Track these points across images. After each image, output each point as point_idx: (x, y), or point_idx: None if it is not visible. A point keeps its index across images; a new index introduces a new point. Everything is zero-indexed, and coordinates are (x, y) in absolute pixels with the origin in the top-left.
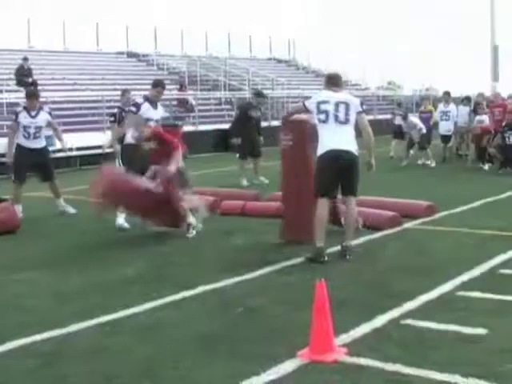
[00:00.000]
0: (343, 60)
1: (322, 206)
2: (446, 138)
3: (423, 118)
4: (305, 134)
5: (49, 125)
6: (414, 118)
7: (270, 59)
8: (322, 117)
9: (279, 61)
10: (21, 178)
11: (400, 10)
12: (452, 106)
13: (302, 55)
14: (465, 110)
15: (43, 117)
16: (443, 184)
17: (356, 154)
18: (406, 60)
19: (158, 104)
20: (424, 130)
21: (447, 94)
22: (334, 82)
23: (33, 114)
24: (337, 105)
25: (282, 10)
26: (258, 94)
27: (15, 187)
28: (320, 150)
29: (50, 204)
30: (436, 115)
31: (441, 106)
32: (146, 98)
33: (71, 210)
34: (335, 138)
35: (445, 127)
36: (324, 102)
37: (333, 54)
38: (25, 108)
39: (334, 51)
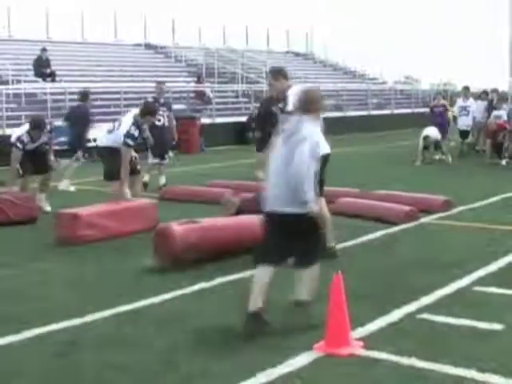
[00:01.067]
0: (360, 53)
1: None
2: (465, 134)
3: (435, 112)
4: None
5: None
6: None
7: (287, 52)
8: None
9: (296, 54)
10: (27, 171)
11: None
12: (471, 101)
13: (319, 49)
14: (482, 104)
15: (43, 139)
16: (461, 179)
17: None
18: (423, 54)
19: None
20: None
21: (466, 88)
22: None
23: (35, 139)
24: None
25: (299, 3)
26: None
27: (23, 180)
28: None
29: (69, 193)
30: (453, 110)
31: (460, 101)
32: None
33: (47, 208)
34: None
35: (464, 122)
36: None
37: (350, 48)
38: (28, 133)
39: (351, 45)
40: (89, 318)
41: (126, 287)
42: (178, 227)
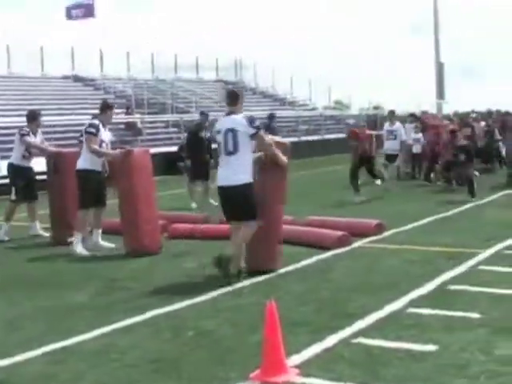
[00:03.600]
0: (289, 80)
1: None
2: (391, 158)
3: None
4: None
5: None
6: None
7: (216, 81)
8: (219, 148)
9: (226, 82)
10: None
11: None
12: (397, 125)
13: (249, 76)
14: (410, 127)
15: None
16: (392, 202)
17: (241, 183)
18: (353, 79)
19: (106, 127)
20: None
21: (392, 112)
22: (228, 102)
23: (34, 132)
24: (226, 133)
25: (228, 30)
26: (202, 113)
27: (14, 206)
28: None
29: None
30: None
31: (386, 125)
32: (100, 121)
33: (45, 234)
34: (222, 171)
35: (391, 146)
36: (217, 133)
37: (279, 74)
38: (28, 126)
39: (280, 71)
40: (20, 357)
41: (58, 323)
42: None
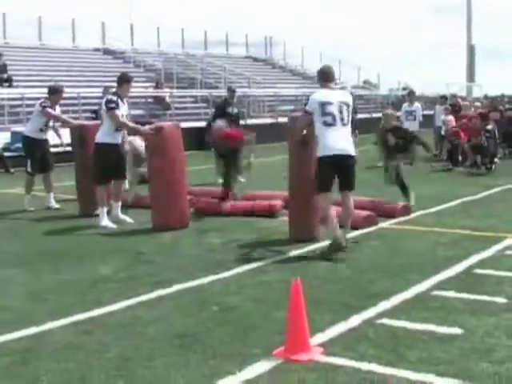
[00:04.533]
0: (318, 58)
1: (327, 200)
2: None
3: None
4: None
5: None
6: None
7: (246, 57)
8: (329, 119)
9: (255, 59)
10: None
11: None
12: (416, 105)
13: (278, 54)
14: (441, 109)
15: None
16: (419, 184)
17: (355, 154)
18: (382, 58)
19: (125, 99)
20: None
21: (412, 93)
22: (329, 78)
23: (53, 105)
24: (340, 106)
25: (258, 7)
26: (229, 89)
27: (31, 178)
28: (324, 151)
29: (23, 201)
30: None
31: (405, 106)
32: (118, 95)
33: (55, 205)
34: (340, 141)
35: (409, 127)
36: (328, 104)
37: (309, 53)
38: (48, 99)
39: (310, 49)
40: (47, 326)
41: (82, 296)
42: None
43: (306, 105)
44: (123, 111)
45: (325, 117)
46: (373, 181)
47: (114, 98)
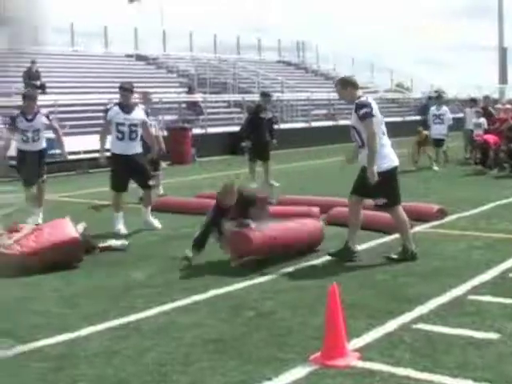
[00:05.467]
0: (351, 62)
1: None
2: (438, 142)
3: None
4: None
5: (49, 128)
6: None
7: (278, 62)
8: (383, 128)
9: (288, 63)
10: (27, 181)
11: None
12: (444, 109)
13: (311, 58)
14: (471, 112)
15: (40, 120)
16: (452, 187)
17: None
18: (414, 62)
19: (136, 107)
20: None
21: (439, 96)
22: (357, 86)
23: (29, 117)
24: (382, 116)
25: (290, 12)
26: (263, 94)
27: (24, 190)
28: (389, 163)
29: (55, 207)
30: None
31: (433, 109)
32: (117, 103)
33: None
34: (393, 151)
35: (438, 131)
36: (375, 114)
37: (341, 57)
38: (21, 112)
39: (343, 54)
40: (82, 332)
41: (116, 301)
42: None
43: (363, 107)
44: (122, 119)
45: (382, 125)
46: (406, 185)
47: (114, 108)
